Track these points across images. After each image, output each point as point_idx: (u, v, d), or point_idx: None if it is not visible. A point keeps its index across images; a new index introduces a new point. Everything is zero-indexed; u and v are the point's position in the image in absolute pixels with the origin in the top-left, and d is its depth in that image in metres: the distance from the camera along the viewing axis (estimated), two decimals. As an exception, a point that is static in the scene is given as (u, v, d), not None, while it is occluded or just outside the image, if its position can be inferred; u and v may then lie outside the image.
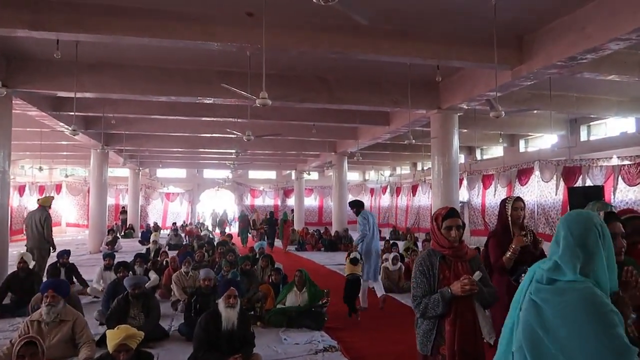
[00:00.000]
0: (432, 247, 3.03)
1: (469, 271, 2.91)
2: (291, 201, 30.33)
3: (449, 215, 2.96)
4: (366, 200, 30.49)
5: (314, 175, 30.49)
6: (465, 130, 14.65)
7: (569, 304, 1.72)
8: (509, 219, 4.16)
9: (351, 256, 7.35)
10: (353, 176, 33.10)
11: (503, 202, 4.26)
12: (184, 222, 28.37)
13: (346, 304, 7.25)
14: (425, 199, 22.67)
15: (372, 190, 29.83)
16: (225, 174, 26.00)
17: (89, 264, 12.90)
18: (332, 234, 19.38)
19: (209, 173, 30.60)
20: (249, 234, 19.83)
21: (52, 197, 10.09)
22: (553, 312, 1.75)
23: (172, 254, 11.09)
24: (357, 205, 8.14)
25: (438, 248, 2.97)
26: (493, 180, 18.14)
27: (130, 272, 7.65)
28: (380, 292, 7.94)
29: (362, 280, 7.59)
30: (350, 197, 30.16)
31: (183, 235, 20.18)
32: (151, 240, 12.48)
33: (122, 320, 5.50)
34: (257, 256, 10.54)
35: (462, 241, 2.98)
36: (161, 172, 29.12)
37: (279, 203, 31.00)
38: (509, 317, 1.95)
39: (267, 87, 7.05)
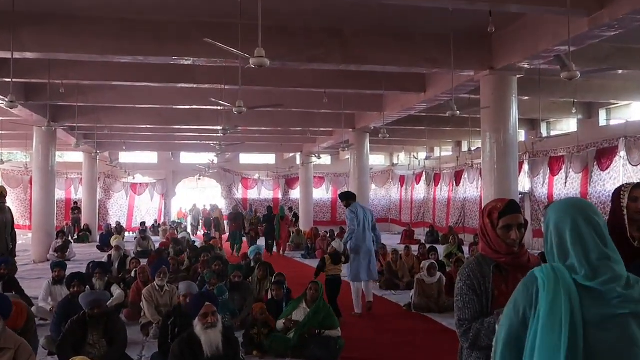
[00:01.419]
0: (482, 252, 2.96)
1: None
2: (296, 193, 30.62)
3: (508, 210, 2.89)
4: (394, 191, 30.57)
5: (326, 160, 30.54)
6: (527, 98, 14.56)
7: None
8: (625, 214, 3.77)
9: (329, 250, 9.02)
10: (377, 160, 33.10)
11: (618, 192, 3.90)
12: (156, 221, 28.70)
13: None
14: (473, 190, 22.64)
15: (402, 179, 29.88)
16: (208, 158, 26.13)
17: (33, 277, 13.08)
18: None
19: (187, 157, 30.77)
20: (243, 239, 19.85)
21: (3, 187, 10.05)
22: None
23: (142, 262, 11.21)
24: (348, 198, 9.45)
25: (491, 254, 2.90)
26: (563, 163, 18.04)
27: (87, 286, 7.73)
28: (369, 296, 9.26)
29: (351, 283, 9.09)
30: (374, 187, 30.92)
31: (161, 238, 20.34)
32: (113, 246, 12.61)
33: (78, 349, 5.57)
34: (252, 264, 10.62)
35: (522, 245, 2.91)
36: (125, 157, 29.40)
37: (280, 196, 31.22)
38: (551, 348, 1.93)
39: (264, 42, 7.05)
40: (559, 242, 2.12)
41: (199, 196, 34.28)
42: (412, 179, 28.69)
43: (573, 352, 1.92)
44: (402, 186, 29.86)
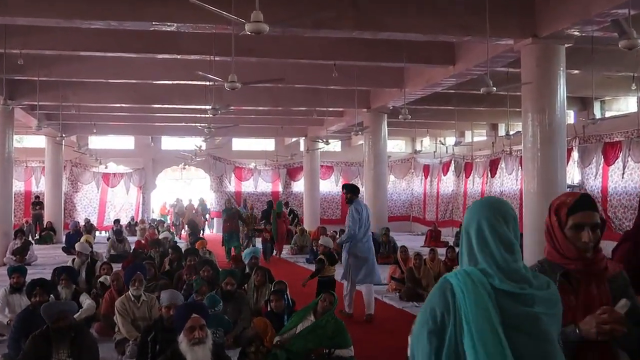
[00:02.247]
0: (547, 256, 2.94)
1: (608, 298, 2.82)
2: (299, 186, 30.74)
3: (580, 206, 2.84)
4: (417, 184, 30.59)
5: (335, 146, 30.53)
6: (577, 72, 14.49)
7: None
8: None
9: (320, 250, 10.23)
10: (396, 146, 33.09)
11: None
12: (132, 218, 28.82)
13: None
14: (512, 182, 22.61)
15: (426, 169, 29.90)
16: (195, 143, 26.15)
17: (-12, 284, 13.14)
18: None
19: (170, 143, 30.82)
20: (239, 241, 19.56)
21: None
22: None
23: (116, 267, 11.23)
24: (353, 191, 10.23)
25: (559, 259, 2.87)
26: (620, 151, 17.95)
27: (52, 295, 7.74)
28: (369, 307, 10.02)
29: (345, 283, 10.15)
30: (392, 179, 30.96)
31: (138, 238, 20.41)
32: (81, 247, 12.63)
33: (41, 369, 5.58)
34: (247, 270, 10.64)
35: (598, 249, 2.86)
36: (96, 142, 29.47)
37: (280, 189, 31.30)
38: None
39: (262, 4, 7.02)
40: (468, 246, 2.45)
41: (183, 189, 34.34)
42: (438, 169, 28.67)
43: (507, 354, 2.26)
44: (426, 178, 29.84)
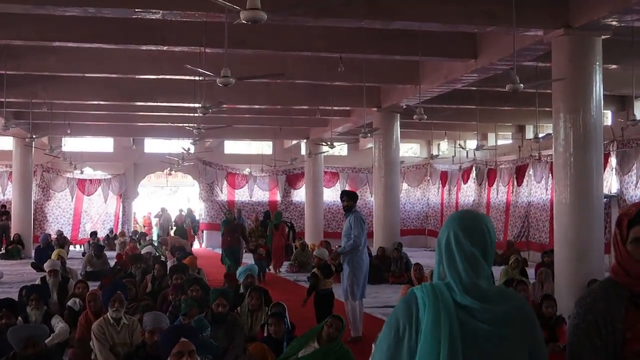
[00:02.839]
0: (613, 275, 2.84)
1: None
2: (300, 195, 30.82)
3: None
4: (433, 192, 30.61)
5: (341, 149, 30.57)
6: (615, 67, 14.48)
7: None
8: None
9: (314, 262, 10.70)
10: (410, 150, 33.07)
11: None
12: (111, 231, 28.82)
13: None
14: (541, 191, 22.62)
15: (443, 176, 29.96)
16: (183, 146, 26.21)
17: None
18: (374, 253, 19.49)
19: (154, 145, 30.85)
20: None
21: None
22: None
23: (93, 286, 11.25)
24: (352, 198, 10.85)
25: (624, 279, 2.78)
26: (664, 156, 17.94)
27: (20, 318, 7.74)
28: (355, 330, 10.50)
29: (349, 301, 10.63)
30: (406, 187, 30.98)
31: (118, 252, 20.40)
32: (51, 265, 12.64)
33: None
34: (242, 290, 10.63)
35: None
36: (71, 144, 29.48)
37: (278, 198, 31.33)
38: None
39: (259, -11, 7.02)
40: (439, 259, 2.77)
41: (169, 198, 34.37)
42: (457, 176, 28.72)
43: None
44: (443, 186, 29.90)
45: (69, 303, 10.14)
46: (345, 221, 10.83)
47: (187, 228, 28.33)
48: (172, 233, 28.68)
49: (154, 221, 33.04)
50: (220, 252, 19.23)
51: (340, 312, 9.44)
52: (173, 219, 31.36)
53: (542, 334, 2.79)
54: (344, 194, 11.12)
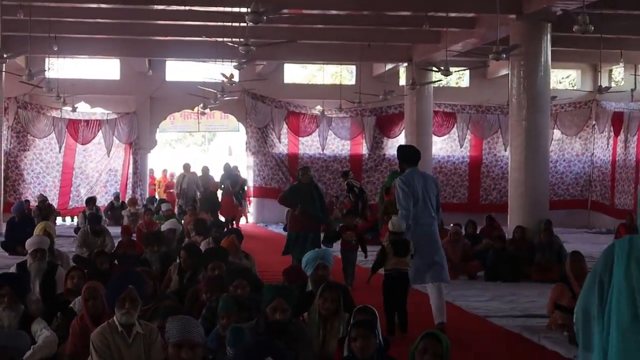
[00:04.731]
0: None
1: None
2: (397, 145, 30.49)
3: None
4: (601, 145, 30.14)
5: (461, 78, 30.26)
6: None
7: None
8: None
9: (386, 242, 11.69)
10: (565, 80, 32.62)
11: None
12: (118, 196, 29.11)
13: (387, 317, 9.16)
14: None
15: (617, 119, 29.76)
16: (222, 72, 26.33)
17: None
18: (509, 238, 19.42)
19: (179, 71, 31.19)
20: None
21: None
22: None
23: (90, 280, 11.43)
24: (406, 157, 12.16)
25: None
26: None
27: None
28: (440, 316, 11.71)
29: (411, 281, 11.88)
30: (559, 136, 30.37)
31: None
32: (35, 242, 12.84)
33: None
34: (312, 287, 10.66)
35: None
36: (59, 68, 29.76)
37: (365, 150, 31.46)
38: None
39: None
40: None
41: (201, 149, 34.61)
42: (639, 120, 28.27)
43: None
44: (616, 134, 29.60)
45: (73, 304, 9.97)
46: None
47: (226, 196, 28.20)
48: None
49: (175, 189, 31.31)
50: (286, 236, 18.36)
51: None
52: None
53: None
54: (399, 150, 12.20)
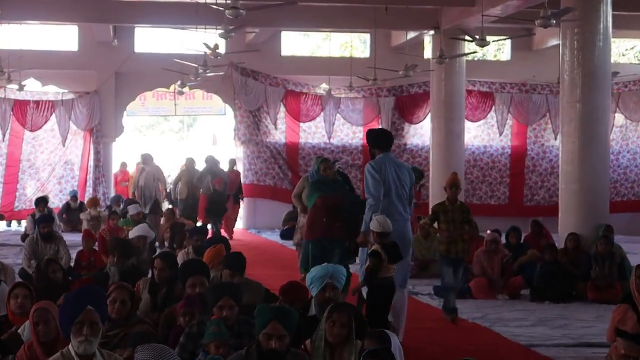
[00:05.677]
0: None
1: None
2: (422, 132, 31.53)
3: None
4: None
5: (500, 50, 30.36)
6: None
7: None
8: None
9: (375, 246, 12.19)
10: (628, 51, 32.70)
11: None
12: (75, 196, 29.03)
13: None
14: None
15: None
16: (204, 42, 26.31)
17: None
18: (560, 247, 19.41)
19: (151, 41, 31.19)
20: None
21: None
22: None
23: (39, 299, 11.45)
24: (378, 142, 12.98)
25: None
26: None
27: None
28: (397, 322, 12.74)
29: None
30: (621, 121, 30.28)
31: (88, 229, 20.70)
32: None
33: None
34: (315, 311, 10.67)
35: None
36: (3, 38, 29.84)
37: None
38: None
39: None
40: None
41: (178, 137, 34.73)
42: None
43: None
44: None
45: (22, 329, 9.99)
46: None
47: (204, 196, 27.71)
48: (165, 205, 28.68)
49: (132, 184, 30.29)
50: (298, 247, 18.80)
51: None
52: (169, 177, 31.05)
53: None
54: (368, 135, 12.96)
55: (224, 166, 30.68)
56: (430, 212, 16.82)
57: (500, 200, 30.46)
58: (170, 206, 27.95)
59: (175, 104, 35.10)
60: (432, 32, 28.05)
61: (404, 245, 12.92)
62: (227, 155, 32.04)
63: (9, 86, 29.18)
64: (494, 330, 15.12)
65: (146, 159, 29.42)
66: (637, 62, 32.36)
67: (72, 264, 17.78)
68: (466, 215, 15.76)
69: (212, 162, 28.97)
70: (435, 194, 26.88)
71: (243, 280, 12.31)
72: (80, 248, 18.29)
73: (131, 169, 34.64)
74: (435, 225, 15.98)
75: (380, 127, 31.04)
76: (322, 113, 31.17)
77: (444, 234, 15.61)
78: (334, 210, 16.78)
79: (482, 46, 22.35)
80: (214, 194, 27.25)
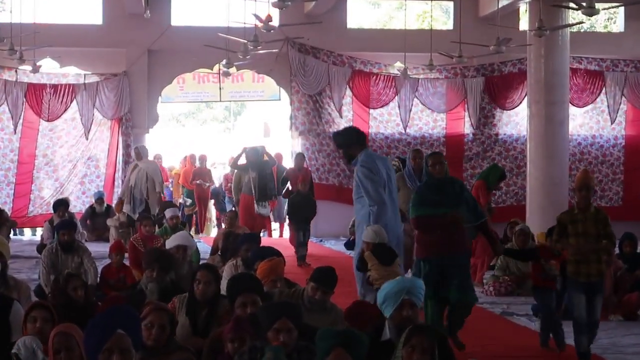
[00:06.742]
0: None
1: None
2: (517, 120, 31.88)
3: None
4: None
5: (612, 18, 30.62)
6: None
7: None
8: None
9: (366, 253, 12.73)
10: None
11: None
12: (100, 197, 29.41)
13: None
14: None
15: None
16: (255, 11, 26.64)
17: None
18: (619, 249, 19.93)
19: (189, 12, 31.67)
20: None
21: None
22: None
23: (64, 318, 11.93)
24: (348, 142, 13.35)
25: None
26: None
27: None
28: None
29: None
30: None
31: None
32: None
33: None
34: (389, 334, 11.14)
35: None
36: (13, 11, 30.30)
37: (466, 129, 31.65)
38: None
39: None
40: None
41: (223, 127, 35.11)
42: None
43: None
44: None
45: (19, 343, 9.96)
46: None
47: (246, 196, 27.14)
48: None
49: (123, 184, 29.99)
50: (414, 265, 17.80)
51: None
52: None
53: None
54: (335, 138, 13.60)
55: (287, 163, 31.07)
56: (556, 224, 15.35)
57: (612, 202, 30.27)
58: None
59: (220, 88, 35.57)
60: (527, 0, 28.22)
61: (398, 244, 13.55)
62: (280, 149, 32.12)
63: (21, 67, 29.32)
64: (606, 358, 15.23)
65: (140, 153, 29.52)
66: None
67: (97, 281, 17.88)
68: (603, 226, 14.87)
69: (255, 156, 27.84)
70: (533, 197, 27.33)
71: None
72: (108, 261, 18.63)
73: (167, 163, 35.06)
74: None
75: (467, 114, 31.36)
76: (396, 97, 31.15)
77: (571, 249, 14.68)
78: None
79: (591, 15, 22.51)
80: (296, 196, 26.27)
